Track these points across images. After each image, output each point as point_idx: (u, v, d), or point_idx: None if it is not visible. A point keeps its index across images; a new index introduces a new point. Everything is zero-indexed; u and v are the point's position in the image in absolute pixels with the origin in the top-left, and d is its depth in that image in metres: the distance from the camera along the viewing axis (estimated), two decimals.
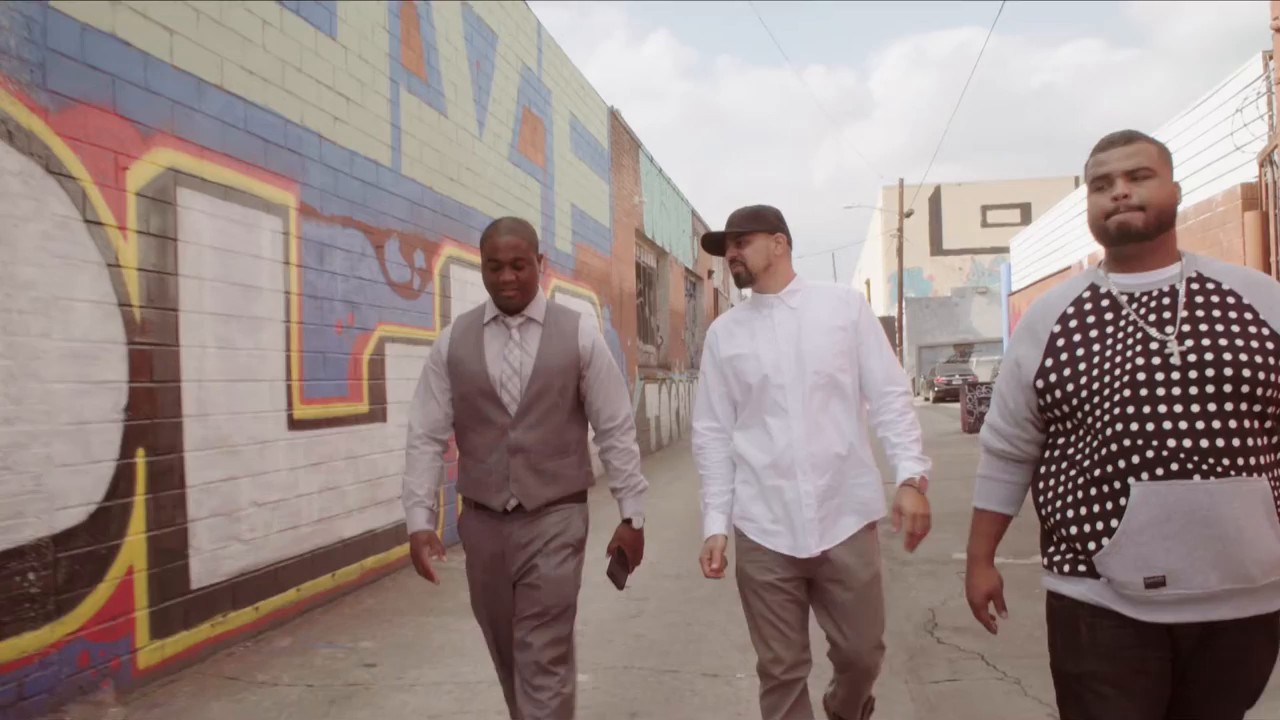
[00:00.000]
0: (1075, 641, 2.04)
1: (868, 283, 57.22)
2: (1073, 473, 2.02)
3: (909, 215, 36.45)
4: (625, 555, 3.03)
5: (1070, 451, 2.04)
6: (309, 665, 4.78)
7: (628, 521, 3.05)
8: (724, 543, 2.89)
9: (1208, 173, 9.79)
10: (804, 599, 2.89)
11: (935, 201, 50.12)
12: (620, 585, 3.06)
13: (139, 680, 4.38)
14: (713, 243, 2.97)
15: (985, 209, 50.13)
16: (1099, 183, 2.01)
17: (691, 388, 20.36)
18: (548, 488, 2.93)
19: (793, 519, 2.80)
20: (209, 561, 4.88)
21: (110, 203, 4.26)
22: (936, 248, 51.03)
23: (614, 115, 14.46)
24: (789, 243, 2.95)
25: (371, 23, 6.72)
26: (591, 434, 3.09)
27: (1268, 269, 8.34)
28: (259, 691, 4.41)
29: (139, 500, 4.40)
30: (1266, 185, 8.47)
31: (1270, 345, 1.89)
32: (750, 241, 2.88)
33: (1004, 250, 24.88)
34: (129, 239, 4.37)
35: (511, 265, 2.87)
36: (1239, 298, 1.95)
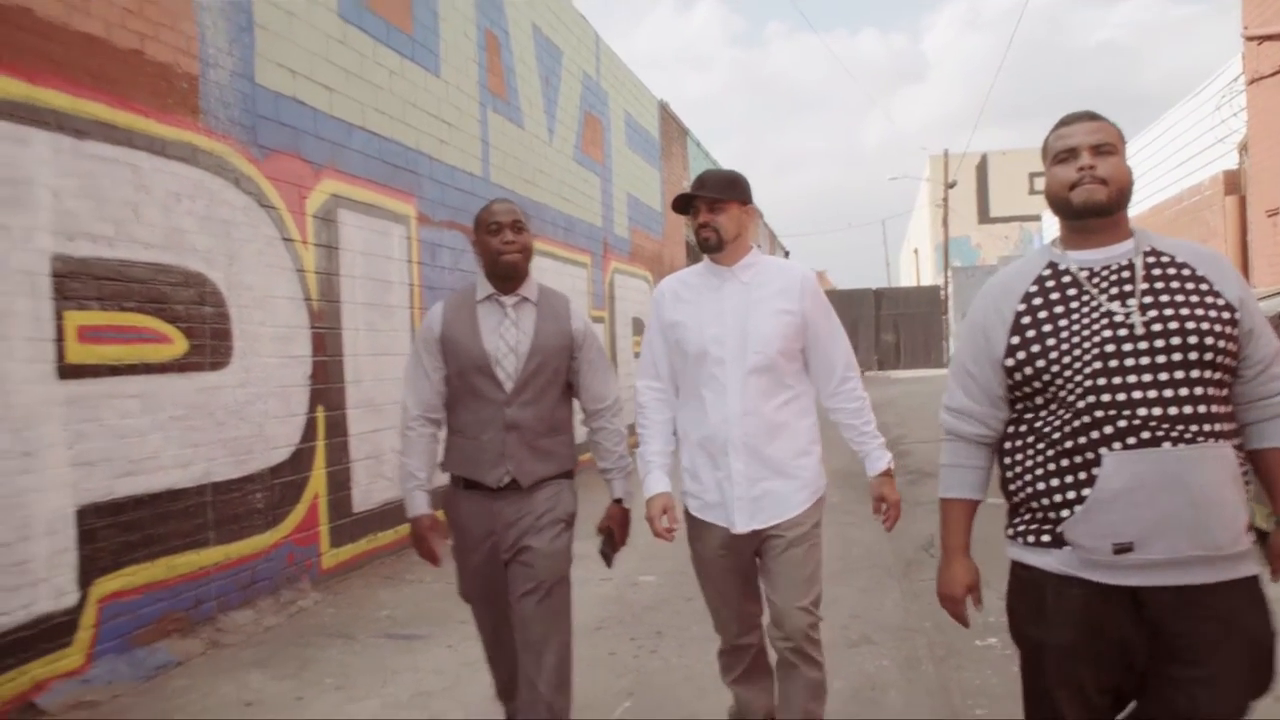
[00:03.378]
0: (1040, 608, 2.01)
1: (916, 252, 57.54)
2: (1041, 445, 2.02)
3: (953, 186, 37.04)
4: (614, 534, 3.04)
5: (1039, 425, 2.03)
6: (444, 570, 6.26)
7: (618, 501, 3.04)
8: (672, 500, 2.83)
9: (1197, 161, 10.70)
10: (747, 569, 2.86)
11: (982, 169, 50.25)
12: (609, 563, 3.09)
13: (324, 577, 5.90)
14: (683, 203, 2.83)
15: (1033, 176, 50.08)
16: (1063, 155, 2.03)
17: None
18: (541, 464, 2.92)
19: (724, 495, 2.76)
20: (364, 493, 6.40)
21: (297, 224, 5.74)
22: (984, 216, 51.17)
23: (663, 108, 15.70)
24: (756, 216, 3.12)
25: (465, 58, 8.12)
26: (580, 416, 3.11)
27: (1243, 247, 9.35)
28: (412, 586, 5.91)
29: (320, 445, 5.91)
30: (1244, 172, 9.47)
31: (1225, 314, 1.92)
32: (725, 209, 2.77)
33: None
34: (309, 250, 5.85)
35: (512, 227, 2.87)
36: (1193, 269, 1.98)
